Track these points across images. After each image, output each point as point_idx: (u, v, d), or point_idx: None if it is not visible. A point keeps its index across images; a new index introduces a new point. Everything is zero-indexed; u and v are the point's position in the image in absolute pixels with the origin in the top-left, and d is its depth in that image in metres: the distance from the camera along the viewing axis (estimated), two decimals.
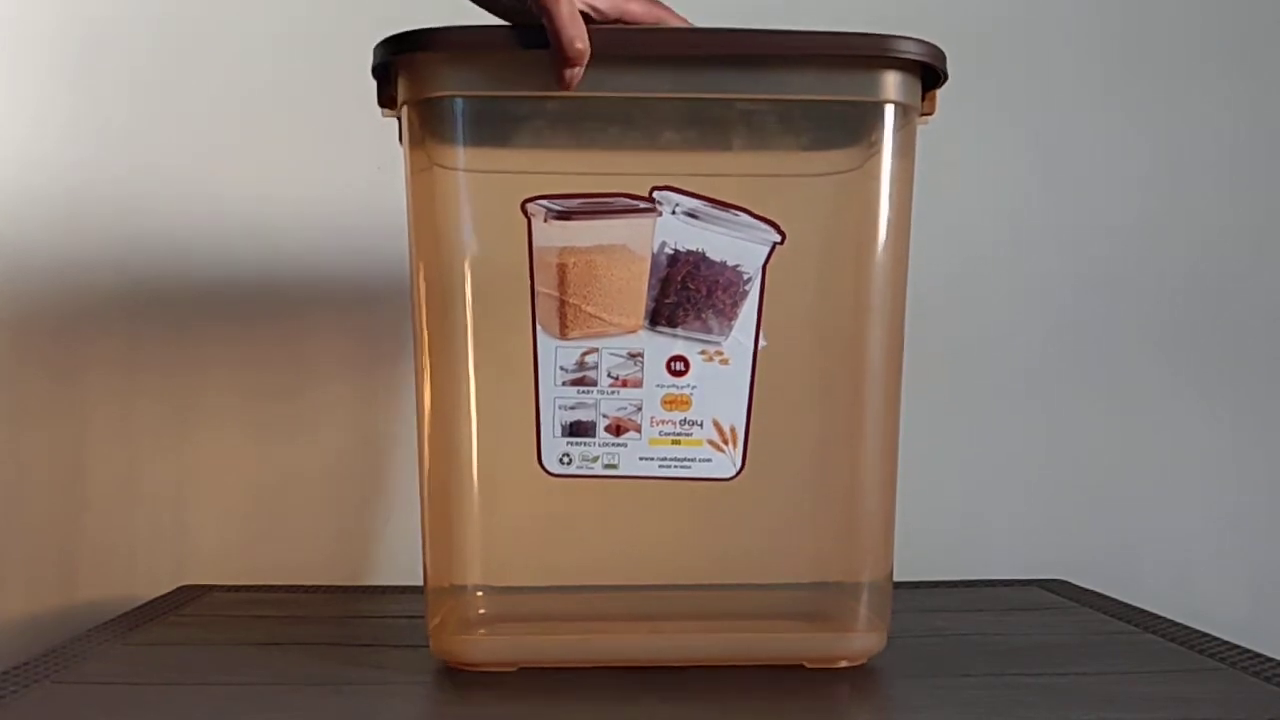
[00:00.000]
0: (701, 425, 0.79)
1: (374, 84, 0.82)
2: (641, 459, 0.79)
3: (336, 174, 1.21)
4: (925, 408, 1.25)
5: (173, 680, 0.82)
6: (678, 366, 0.79)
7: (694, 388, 0.79)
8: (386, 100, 0.82)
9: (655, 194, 0.78)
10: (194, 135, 1.23)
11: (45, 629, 1.17)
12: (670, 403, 0.79)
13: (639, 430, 0.79)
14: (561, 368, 0.79)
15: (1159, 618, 0.98)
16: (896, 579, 1.17)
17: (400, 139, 0.81)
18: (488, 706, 0.76)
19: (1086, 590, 1.12)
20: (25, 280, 1.22)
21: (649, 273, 0.79)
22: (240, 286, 1.22)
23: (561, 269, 0.79)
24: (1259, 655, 0.85)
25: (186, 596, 1.10)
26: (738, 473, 0.80)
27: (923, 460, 1.24)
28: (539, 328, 0.79)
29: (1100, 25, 1.29)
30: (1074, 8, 1.28)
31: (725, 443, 0.79)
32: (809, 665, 0.81)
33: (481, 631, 0.81)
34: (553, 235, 0.78)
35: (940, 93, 0.83)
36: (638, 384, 0.79)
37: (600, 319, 0.79)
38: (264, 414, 1.23)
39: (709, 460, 0.79)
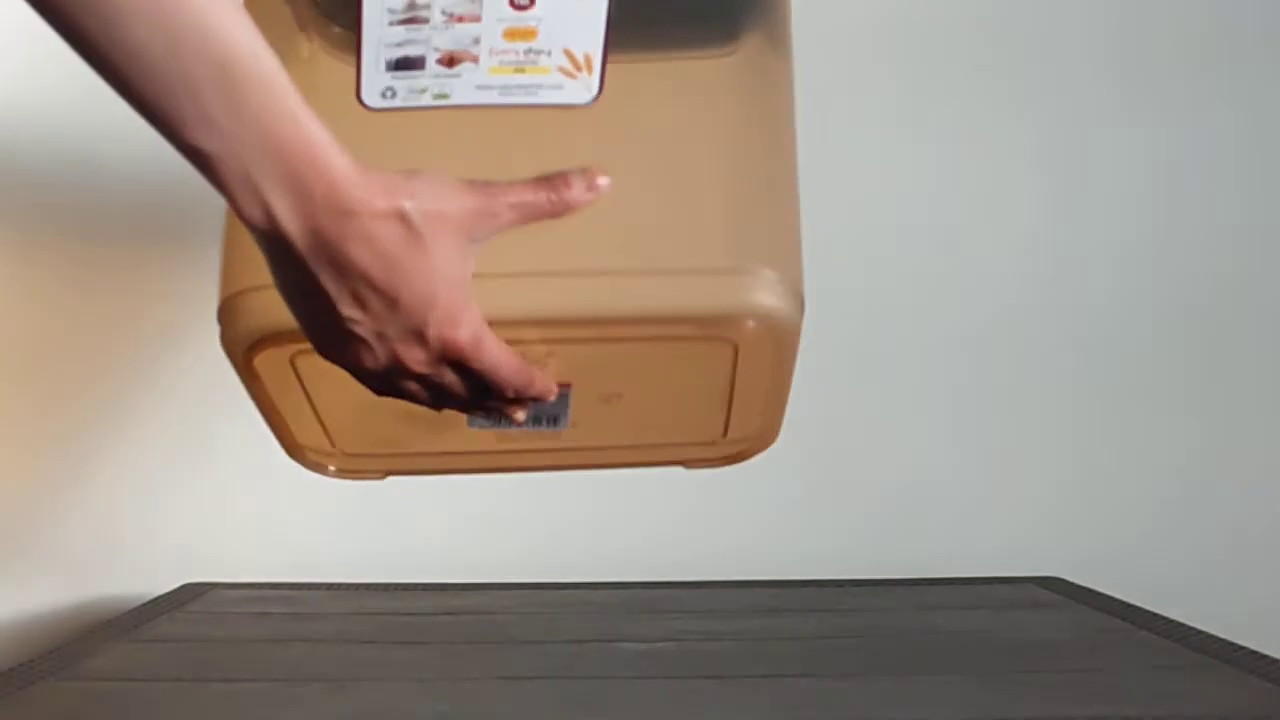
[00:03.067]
0: (550, 54, 0.71)
1: None
2: (479, 87, 0.70)
3: None
4: (921, 404, 1.27)
5: (177, 677, 0.82)
6: (522, 1, 0.71)
7: (540, 19, 0.71)
8: None
9: None
10: None
11: (49, 626, 1.18)
12: (513, 34, 0.71)
13: (476, 61, 0.71)
14: (389, 9, 0.71)
15: (1153, 614, 0.99)
16: (891, 575, 1.19)
17: None
18: (492, 700, 0.76)
19: (1082, 588, 1.13)
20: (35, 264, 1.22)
21: None
22: None
23: None
24: (1252, 651, 0.86)
25: (190, 594, 1.11)
26: (594, 99, 0.70)
27: (918, 457, 1.26)
28: None
29: (1107, 28, 1.29)
30: (1087, 12, 1.29)
31: (578, 69, 0.71)
32: (699, 320, 0.67)
33: None
34: None
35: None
36: (475, 19, 0.71)
37: None
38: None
39: (560, 87, 0.70)
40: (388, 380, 0.63)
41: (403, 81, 0.71)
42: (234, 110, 0.56)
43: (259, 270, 0.64)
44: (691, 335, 0.68)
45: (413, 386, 0.64)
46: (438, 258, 0.61)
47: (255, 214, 0.58)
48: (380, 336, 0.61)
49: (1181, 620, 0.96)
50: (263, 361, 0.70)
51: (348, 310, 0.60)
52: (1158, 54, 1.29)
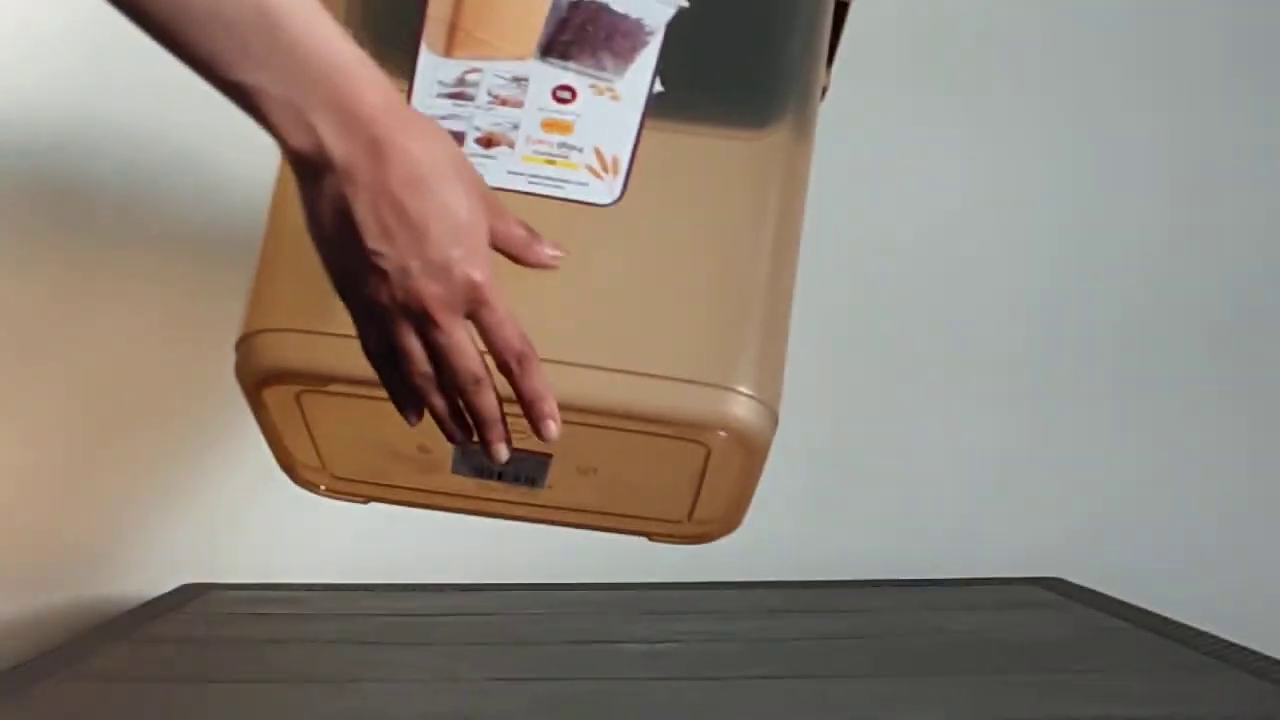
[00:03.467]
0: (581, 150, 0.75)
1: None
2: (510, 173, 0.74)
3: None
4: (924, 405, 1.26)
5: (175, 678, 0.82)
6: (564, 95, 0.75)
7: (579, 115, 0.75)
8: None
9: None
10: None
11: (50, 627, 1.17)
12: (550, 125, 0.75)
13: (512, 146, 0.75)
14: (440, 81, 0.76)
15: (1154, 615, 0.99)
16: (894, 575, 1.19)
17: None
18: (493, 701, 0.76)
19: (1082, 588, 1.13)
20: (23, 261, 1.22)
21: (549, 11, 0.76)
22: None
23: None
24: (1254, 651, 0.86)
25: (189, 595, 1.11)
26: (615, 201, 0.74)
27: (921, 458, 1.26)
28: (424, 44, 0.76)
29: (1117, 29, 1.29)
30: (1090, 12, 1.29)
31: (605, 170, 0.75)
32: (676, 423, 0.71)
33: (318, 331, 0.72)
34: None
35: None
36: (518, 104, 0.75)
37: (490, 44, 0.76)
38: None
39: (585, 184, 0.75)
40: (393, 331, 0.63)
41: None
42: (275, 43, 0.58)
43: (280, 312, 0.71)
44: (667, 435, 0.72)
45: (414, 347, 0.63)
46: (468, 198, 0.63)
47: (302, 140, 0.59)
48: (403, 271, 0.61)
49: (1182, 620, 0.96)
50: (270, 394, 0.74)
51: (374, 243, 0.61)
52: (1175, 50, 1.29)
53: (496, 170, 0.73)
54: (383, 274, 0.61)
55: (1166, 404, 1.28)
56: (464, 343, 0.64)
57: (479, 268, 0.62)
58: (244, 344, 0.73)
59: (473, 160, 0.72)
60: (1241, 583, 1.25)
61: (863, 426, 1.27)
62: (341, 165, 0.59)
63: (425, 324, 0.63)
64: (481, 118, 0.75)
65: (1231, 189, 1.29)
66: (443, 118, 0.74)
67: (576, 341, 0.70)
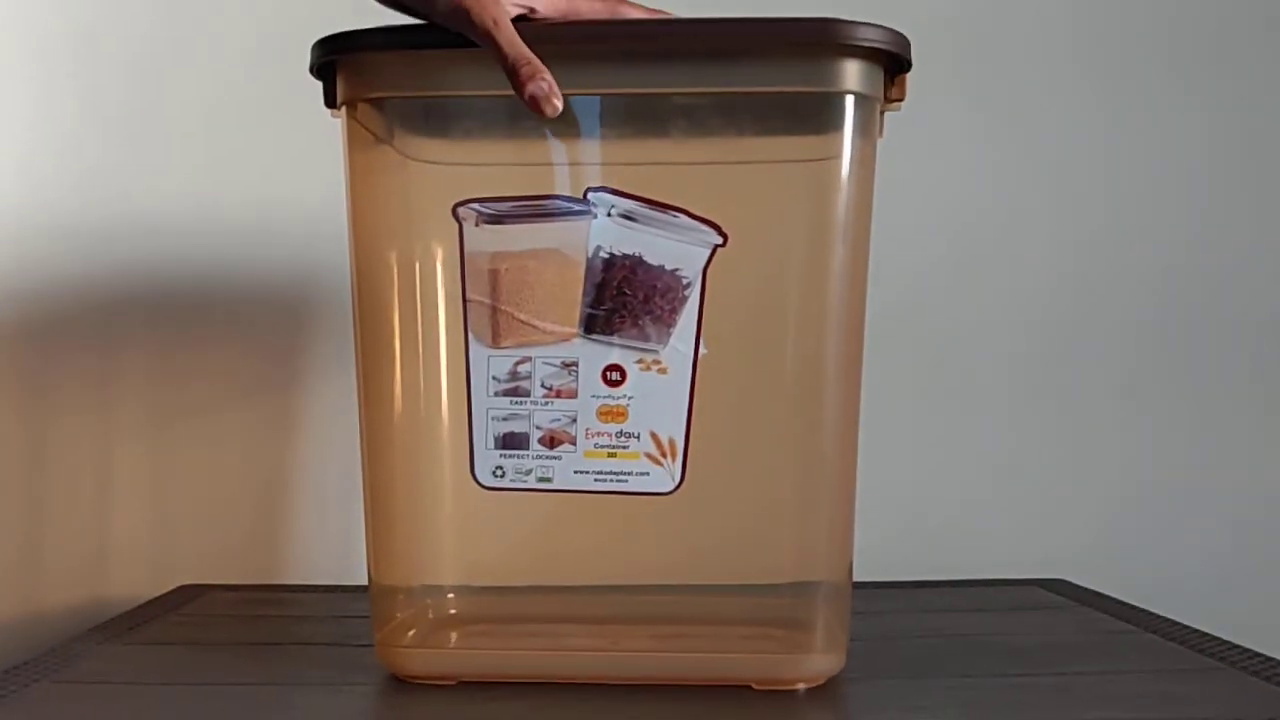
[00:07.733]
0: (639, 438, 0.76)
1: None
2: (576, 472, 0.76)
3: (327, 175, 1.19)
4: (923, 406, 1.26)
5: (171, 680, 0.82)
6: (614, 376, 0.76)
7: (631, 398, 0.76)
8: (331, 100, 0.79)
9: (590, 195, 0.75)
10: (183, 136, 1.23)
11: (44, 629, 1.17)
12: (606, 414, 0.76)
13: (573, 443, 0.76)
14: (494, 377, 0.76)
15: (1159, 617, 0.98)
16: (898, 578, 1.18)
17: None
18: (484, 705, 0.76)
19: (1086, 590, 1.12)
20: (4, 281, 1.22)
21: (583, 278, 0.75)
22: (232, 285, 1.22)
23: (494, 275, 0.76)
24: (1259, 654, 0.85)
25: (185, 596, 1.11)
26: (676, 487, 0.77)
27: (921, 460, 1.25)
28: (471, 336, 0.76)
29: (1083, 19, 1.28)
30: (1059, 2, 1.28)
31: (664, 456, 0.76)
32: (757, 687, 0.76)
33: (422, 643, 0.82)
34: (484, 240, 0.75)
35: (921, 84, 0.80)
36: (572, 394, 0.76)
37: (533, 326, 0.76)
38: (258, 411, 1.23)
39: (647, 474, 0.76)
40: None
41: (510, 460, 0.77)
42: None
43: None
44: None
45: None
46: None
47: None
48: None
49: (1187, 623, 0.96)
50: None
51: None
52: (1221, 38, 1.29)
53: (563, 471, 0.76)
54: None
55: (1171, 405, 1.28)
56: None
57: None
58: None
59: (539, 463, 0.76)
60: (1247, 585, 1.25)
61: (864, 426, 1.26)
62: None
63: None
64: (540, 415, 0.76)
65: (1252, 189, 1.29)
66: (503, 418, 0.76)
67: (665, 629, 0.79)
